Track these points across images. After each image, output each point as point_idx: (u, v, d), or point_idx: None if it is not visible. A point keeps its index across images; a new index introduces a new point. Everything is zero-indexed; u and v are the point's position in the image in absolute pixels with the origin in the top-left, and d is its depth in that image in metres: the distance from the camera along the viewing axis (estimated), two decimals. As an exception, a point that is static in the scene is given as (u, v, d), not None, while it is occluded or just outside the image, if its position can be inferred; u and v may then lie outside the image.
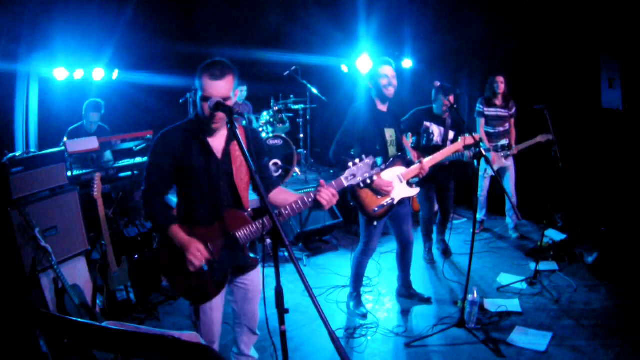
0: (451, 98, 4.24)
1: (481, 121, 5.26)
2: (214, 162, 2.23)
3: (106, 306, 3.50)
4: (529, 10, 5.49)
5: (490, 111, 5.21)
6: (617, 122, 5.15)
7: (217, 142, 2.25)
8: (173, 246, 2.19)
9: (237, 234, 2.19)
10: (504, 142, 4.84)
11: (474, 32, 6.15)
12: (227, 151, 2.25)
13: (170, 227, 2.19)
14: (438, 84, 3.72)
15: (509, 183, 5.30)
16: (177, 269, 2.23)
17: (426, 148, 4.41)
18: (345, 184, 2.16)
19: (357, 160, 2.15)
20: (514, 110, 5.22)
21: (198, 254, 2.13)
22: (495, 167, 5.23)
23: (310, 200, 2.17)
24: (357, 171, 2.15)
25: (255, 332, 2.57)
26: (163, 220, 2.22)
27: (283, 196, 2.33)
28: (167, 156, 2.20)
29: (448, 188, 4.77)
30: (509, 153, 4.86)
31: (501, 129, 5.21)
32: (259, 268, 2.48)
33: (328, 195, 2.13)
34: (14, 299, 3.12)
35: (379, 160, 3.46)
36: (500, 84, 5.11)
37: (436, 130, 4.50)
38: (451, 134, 4.54)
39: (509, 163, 5.27)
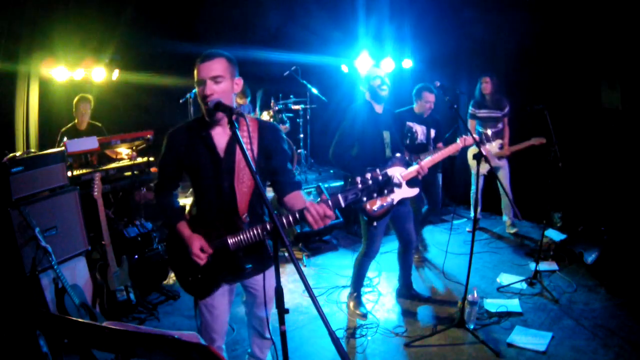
0: (432, 97, 4.29)
1: (471, 123, 5.28)
2: (217, 162, 2.16)
3: (106, 306, 3.50)
4: (529, 10, 5.49)
5: (482, 112, 5.21)
6: (617, 122, 5.15)
7: (222, 140, 2.17)
8: (177, 241, 2.22)
9: (228, 240, 2.12)
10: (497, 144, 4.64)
11: (474, 32, 6.15)
12: (230, 150, 2.16)
13: (176, 224, 2.22)
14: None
15: (503, 183, 5.30)
16: (180, 263, 2.27)
17: (411, 147, 4.40)
18: (343, 204, 1.93)
19: (368, 176, 1.84)
20: (507, 109, 5.20)
21: (199, 251, 2.13)
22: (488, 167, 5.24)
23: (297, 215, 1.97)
24: (363, 189, 1.87)
25: (266, 337, 2.50)
26: (170, 216, 2.27)
27: (292, 202, 2.23)
28: (171, 155, 2.21)
29: (434, 181, 4.78)
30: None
31: (494, 129, 5.18)
32: (272, 272, 2.42)
33: (316, 214, 1.93)
34: (14, 299, 3.13)
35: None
36: (485, 84, 5.10)
37: (419, 129, 4.49)
38: (432, 132, 4.53)
39: (502, 163, 5.27)
